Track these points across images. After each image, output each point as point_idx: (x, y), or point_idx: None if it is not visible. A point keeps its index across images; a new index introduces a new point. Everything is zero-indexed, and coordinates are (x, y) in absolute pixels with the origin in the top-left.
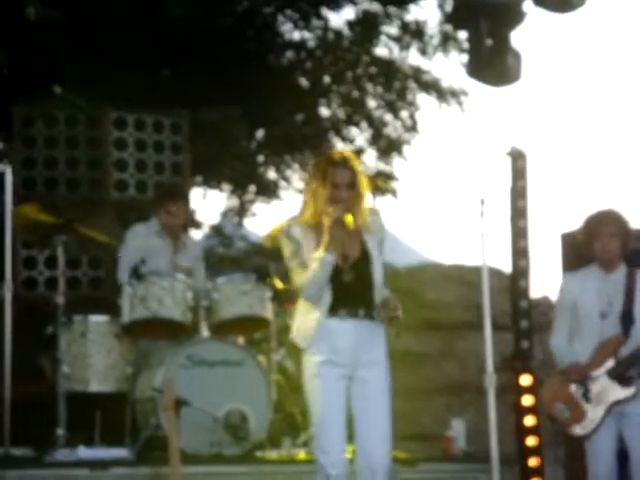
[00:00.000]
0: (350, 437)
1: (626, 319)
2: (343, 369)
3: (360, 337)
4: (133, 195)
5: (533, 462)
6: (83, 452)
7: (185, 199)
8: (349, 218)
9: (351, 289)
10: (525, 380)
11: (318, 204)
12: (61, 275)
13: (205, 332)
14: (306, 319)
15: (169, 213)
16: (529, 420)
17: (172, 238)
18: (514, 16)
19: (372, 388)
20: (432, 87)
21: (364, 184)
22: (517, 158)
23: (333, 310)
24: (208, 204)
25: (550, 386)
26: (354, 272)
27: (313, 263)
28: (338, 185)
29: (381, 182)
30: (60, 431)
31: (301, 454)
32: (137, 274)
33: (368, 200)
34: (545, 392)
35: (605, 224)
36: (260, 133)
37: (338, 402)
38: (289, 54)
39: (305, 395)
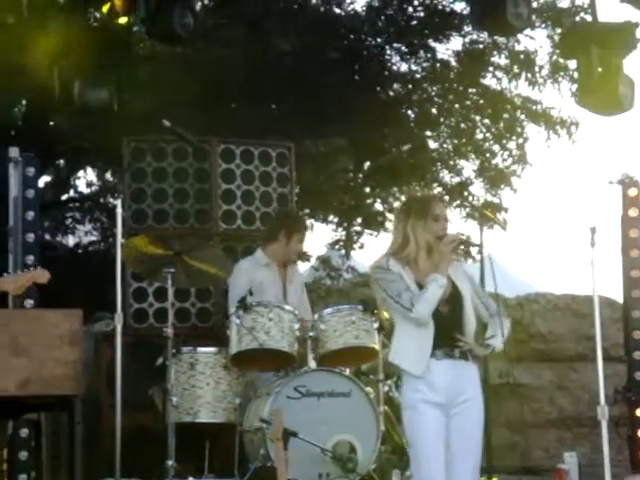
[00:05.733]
0: None
1: None
2: (440, 408)
3: (456, 377)
4: (240, 226)
5: None
6: None
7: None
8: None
9: (447, 323)
10: None
11: (421, 238)
12: (170, 307)
13: (312, 363)
14: (415, 347)
15: (300, 241)
16: None
17: (282, 267)
18: (627, 43)
19: (467, 427)
20: (541, 118)
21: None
22: (628, 186)
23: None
24: (315, 236)
25: None
26: (449, 306)
27: (428, 284)
28: (439, 217)
29: (490, 213)
30: (170, 462)
31: None
32: (244, 305)
33: None
34: None
35: None
36: (366, 164)
37: (439, 440)
38: (396, 86)
39: (405, 432)
